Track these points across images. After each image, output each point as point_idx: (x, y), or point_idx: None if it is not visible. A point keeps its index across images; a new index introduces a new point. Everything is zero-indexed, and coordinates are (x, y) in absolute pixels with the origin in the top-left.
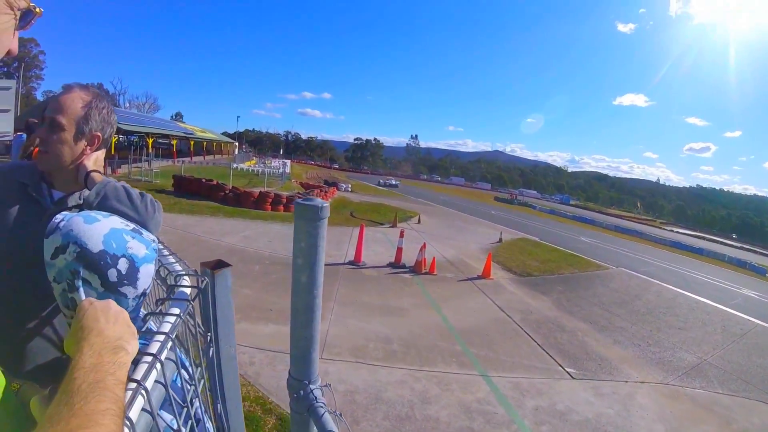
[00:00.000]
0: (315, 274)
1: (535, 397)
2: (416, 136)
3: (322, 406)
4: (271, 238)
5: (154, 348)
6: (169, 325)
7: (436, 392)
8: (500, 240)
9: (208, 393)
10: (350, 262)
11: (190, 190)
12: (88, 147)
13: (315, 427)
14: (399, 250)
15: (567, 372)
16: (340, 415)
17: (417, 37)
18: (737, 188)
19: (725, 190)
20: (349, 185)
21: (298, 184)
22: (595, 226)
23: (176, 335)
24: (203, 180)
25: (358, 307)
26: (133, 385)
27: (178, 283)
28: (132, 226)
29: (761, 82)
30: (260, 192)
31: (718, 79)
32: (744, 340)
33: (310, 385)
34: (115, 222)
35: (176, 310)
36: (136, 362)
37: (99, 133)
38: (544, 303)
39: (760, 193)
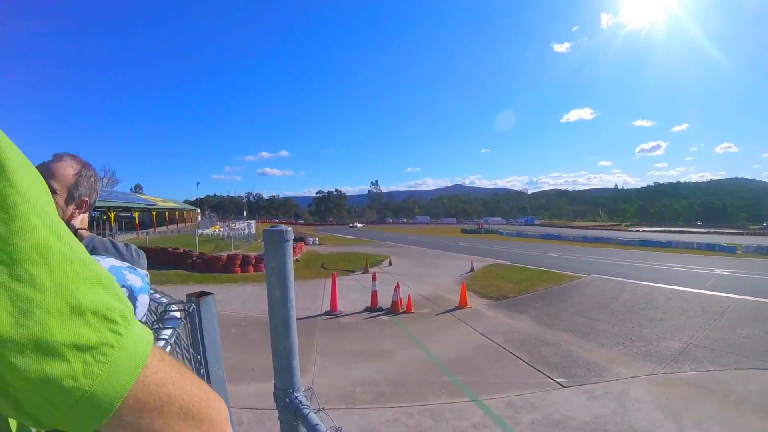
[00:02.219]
0: (287, 289)
1: (529, 412)
2: (377, 181)
3: (306, 407)
4: (244, 300)
5: None
6: (163, 341)
7: (431, 424)
8: (472, 269)
9: None
10: (327, 313)
11: (158, 261)
12: (77, 210)
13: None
14: (374, 293)
15: (557, 382)
16: (323, 408)
17: (367, 86)
18: (694, 177)
19: (682, 182)
20: (317, 238)
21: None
22: (562, 241)
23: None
24: (170, 249)
25: (340, 356)
26: None
27: (168, 309)
28: (126, 264)
29: (697, 75)
30: (228, 255)
31: (656, 79)
32: (725, 316)
33: (294, 393)
34: (113, 261)
35: (168, 331)
36: None
37: (87, 198)
38: (524, 321)
39: (716, 177)
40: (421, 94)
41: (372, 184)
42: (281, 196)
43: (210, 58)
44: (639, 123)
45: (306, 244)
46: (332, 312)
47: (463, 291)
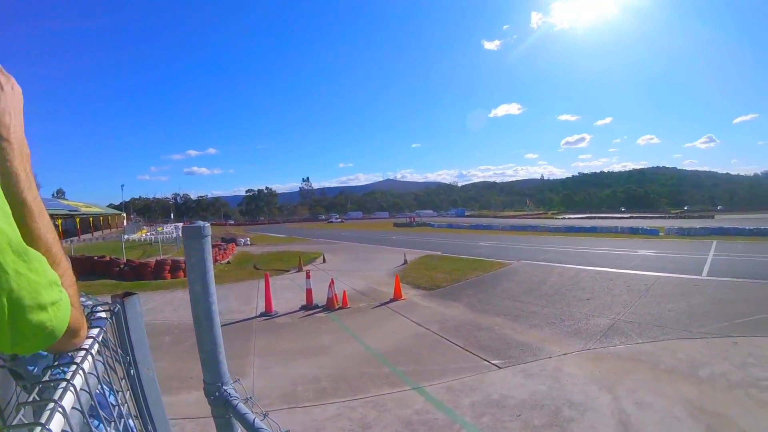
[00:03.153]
0: (207, 283)
1: (469, 395)
2: (308, 178)
3: (236, 399)
4: (176, 307)
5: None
6: (91, 340)
7: (375, 415)
8: (405, 262)
9: (135, 420)
10: (262, 314)
11: (84, 270)
12: None
13: (239, 427)
14: (308, 291)
15: (493, 364)
16: (251, 397)
17: (297, 81)
18: (617, 167)
19: (606, 171)
20: (248, 239)
21: None
22: (492, 230)
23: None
24: (95, 257)
25: (279, 356)
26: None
27: (95, 311)
28: None
29: (620, 72)
30: (157, 261)
31: (582, 76)
32: (650, 292)
33: (223, 386)
34: None
35: (95, 330)
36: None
37: None
38: (458, 309)
39: (638, 167)
40: (353, 89)
41: (303, 180)
42: (210, 196)
43: (131, 51)
44: (564, 117)
45: (237, 245)
46: (267, 312)
47: (397, 283)
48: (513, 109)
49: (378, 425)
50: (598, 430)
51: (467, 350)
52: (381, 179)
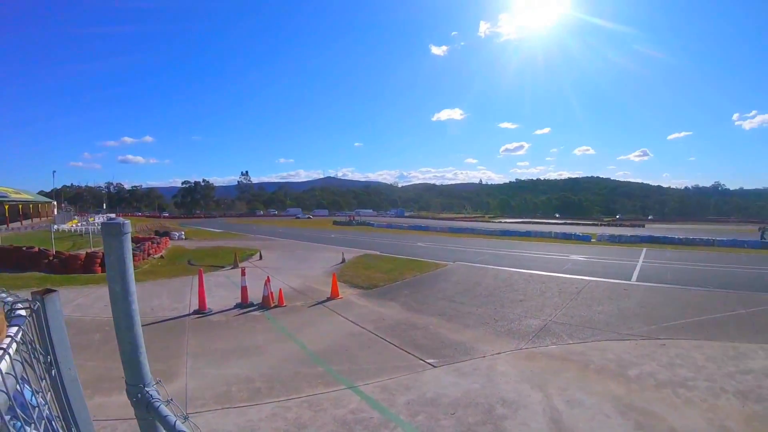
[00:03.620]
0: (127, 282)
1: (404, 393)
2: (247, 172)
3: (158, 400)
4: (107, 302)
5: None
6: (9, 338)
7: (310, 415)
8: (343, 260)
9: (58, 421)
10: (195, 312)
11: (10, 262)
12: None
13: (162, 428)
14: (243, 289)
15: (428, 363)
16: (172, 400)
17: (239, 74)
18: (553, 175)
19: (542, 179)
20: (183, 232)
21: None
22: (430, 231)
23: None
24: (23, 249)
25: (212, 355)
26: None
27: (14, 308)
28: None
29: (560, 85)
30: (87, 253)
31: (524, 86)
32: (581, 295)
33: (145, 387)
34: None
35: (14, 329)
36: None
37: None
38: (394, 309)
39: (573, 176)
40: (296, 84)
41: (242, 174)
42: (144, 186)
43: (67, 30)
44: (505, 125)
45: (171, 239)
46: (201, 311)
47: (334, 282)
48: (455, 114)
49: (313, 425)
50: (531, 428)
51: (403, 349)
52: (322, 176)
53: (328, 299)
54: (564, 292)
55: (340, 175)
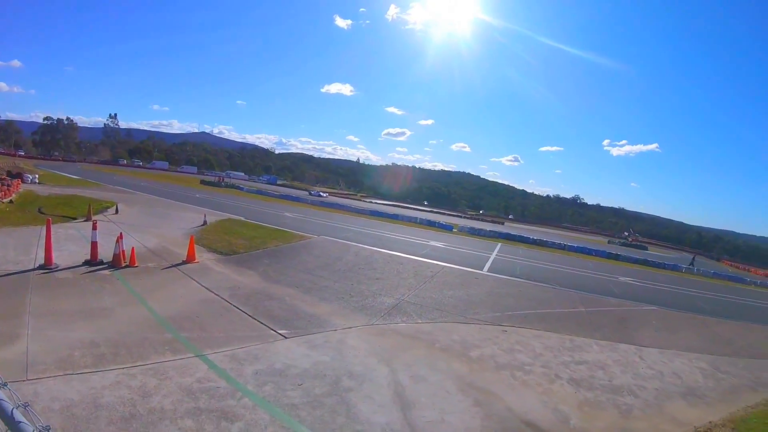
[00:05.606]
0: None
1: (253, 363)
2: (116, 115)
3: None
4: None
5: None
6: None
7: (155, 383)
8: (205, 223)
9: None
10: (41, 267)
11: None
12: None
13: None
14: (94, 245)
15: (280, 334)
16: (6, 384)
17: (122, 5)
18: (428, 165)
19: (418, 167)
20: (37, 176)
21: None
22: (300, 203)
23: None
24: None
25: (56, 316)
26: None
27: None
28: None
29: (452, 83)
30: None
31: (418, 76)
32: (434, 279)
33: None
34: None
35: None
36: None
37: None
38: (252, 277)
39: (446, 169)
40: (185, 26)
41: (110, 117)
42: (2, 118)
43: None
44: (391, 110)
45: (24, 182)
46: (47, 266)
47: (191, 245)
48: (346, 89)
49: (158, 394)
50: (374, 400)
51: (256, 319)
52: (196, 131)
53: (184, 262)
54: (419, 275)
55: (216, 132)
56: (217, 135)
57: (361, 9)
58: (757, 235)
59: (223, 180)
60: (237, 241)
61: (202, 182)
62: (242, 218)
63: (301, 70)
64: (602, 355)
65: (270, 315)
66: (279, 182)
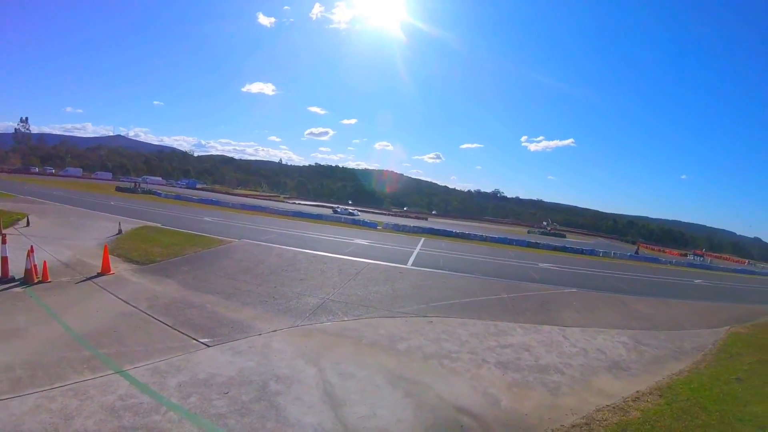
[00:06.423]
0: None
1: (176, 375)
2: (26, 119)
3: None
4: None
5: None
6: None
7: (76, 405)
8: (120, 231)
9: None
10: None
11: None
12: None
13: None
14: (4, 260)
15: (202, 343)
16: None
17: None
18: (351, 164)
19: (341, 166)
20: None
21: None
22: (221, 207)
23: None
24: None
25: None
26: None
27: None
28: None
29: (374, 82)
30: None
31: (341, 76)
32: (359, 276)
33: None
34: None
35: None
36: None
37: None
38: (171, 286)
39: (370, 168)
40: (97, 22)
41: (21, 121)
42: None
43: None
44: (314, 109)
45: None
46: None
47: (105, 255)
48: (267, 88)
49: (80, 415)
50: (304, 402)
51: (176, 329)
52: (111, 134)
53: (99, 275)
54: (344, 273)
55: (132, 134)
56: (133, 138)
57: (285, 7)
58: (669, 219)
59: (139, 186)
60: (154, 249)
61: (118, 189)
62: (159, 225)
63: (222, 69)
64: (527, 337)
65: (191, 324)
66: (199, 186)
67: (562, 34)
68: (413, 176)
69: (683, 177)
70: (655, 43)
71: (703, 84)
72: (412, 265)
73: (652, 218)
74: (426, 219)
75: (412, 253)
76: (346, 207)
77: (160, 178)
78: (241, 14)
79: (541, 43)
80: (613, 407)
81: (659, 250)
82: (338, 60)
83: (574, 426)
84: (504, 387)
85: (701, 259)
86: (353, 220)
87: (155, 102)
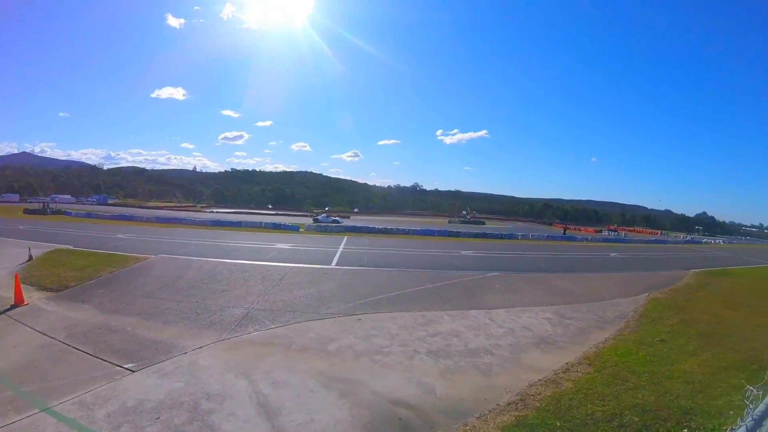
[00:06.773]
0: None
1: (103, 406)
2: None
3: None
4: None
5: None
6: None
7: None
8: (30, 258)
9: None
10: None
11: None
12: None
13: None
14: None
15: (126, 368)
16: None
17: None
18: (269, 167)
19: (258, 170)
20: None
21: None
22: (135, 222)
23: None
24: None
25: None
26: None
27: None
28: None
29: (287, 83)
30: None
31: (254, 78)
32: (283, 281)
33: None
34: None
35: None
36: None
37: None
38: (88, 311)
39: (288, 170)
40: None
41: None
42: None
43: None
44: (227, 113)
45: None
46: None
47: (17, 285)
48: (178, 93)
49: None
50: (238, 416)
51: (98, 357)
52: (17, 151)
53: (12, 306)
54: (267, 279)
55: (38, 150)
56: (39, 154)
57: (196, 7)
58: (583, 199)
59: (48, 206)
60: (67, 274)
61: (26, 211)
62: (71, 247)
63: (129, 74)
64: (454, 323)
65: (113, 350)
66: (110, 201)
67: (467, 30)
68: (333, 176)
69: (593, 160)
70: (556, 34)
71: (606, 72)
72: (336, 264)
73: (566, 199)
74: (348, 217)
75: (335, 253)
76: (329, 215)
77: (69, 196)
78: (149, 15)
79: (451, 40)
80: (546, 381)
81: (576, 229)
82: (250, 61)
83: (510, 404)
84: (437, 375)
85: (615, 233)
86: (274, 224)
87: (60, 113)
